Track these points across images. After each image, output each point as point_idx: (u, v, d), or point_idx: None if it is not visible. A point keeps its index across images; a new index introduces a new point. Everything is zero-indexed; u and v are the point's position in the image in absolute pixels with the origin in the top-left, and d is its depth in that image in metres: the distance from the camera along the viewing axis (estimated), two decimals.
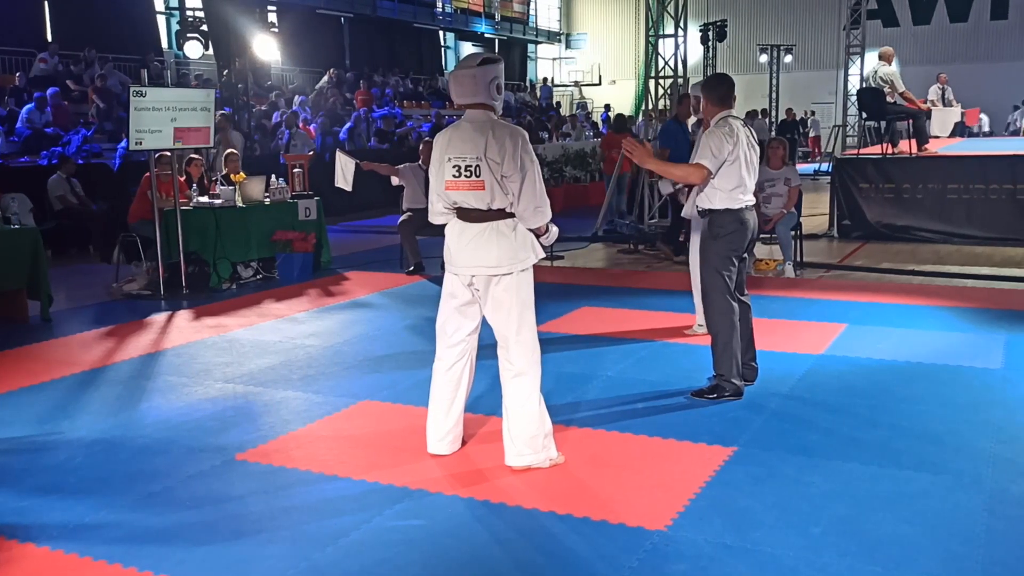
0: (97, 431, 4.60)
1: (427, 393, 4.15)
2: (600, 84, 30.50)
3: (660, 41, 11.68)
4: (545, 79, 29.85)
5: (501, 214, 3.85)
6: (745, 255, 5.01)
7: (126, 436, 4.53)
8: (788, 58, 26.73)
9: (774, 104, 26.93)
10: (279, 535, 3.37)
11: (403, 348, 6.15)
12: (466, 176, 3.83)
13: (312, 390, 5.23)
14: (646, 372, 5.45)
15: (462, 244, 3.90)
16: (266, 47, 14.09)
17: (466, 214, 3.89)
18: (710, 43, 22.62)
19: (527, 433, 3.89)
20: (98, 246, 10.23)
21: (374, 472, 3.96)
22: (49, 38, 16.32)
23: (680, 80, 10.98)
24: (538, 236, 3.97)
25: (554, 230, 4.04)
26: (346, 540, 3.32)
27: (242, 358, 5.99)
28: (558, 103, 27.48)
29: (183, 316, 7.37)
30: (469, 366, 4.09)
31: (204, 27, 11.85)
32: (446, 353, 4.05)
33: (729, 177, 4.78)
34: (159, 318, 7.28)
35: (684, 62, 11.23)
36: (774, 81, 26.84)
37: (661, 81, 11.49)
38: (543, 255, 4.01)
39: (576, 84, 30.42)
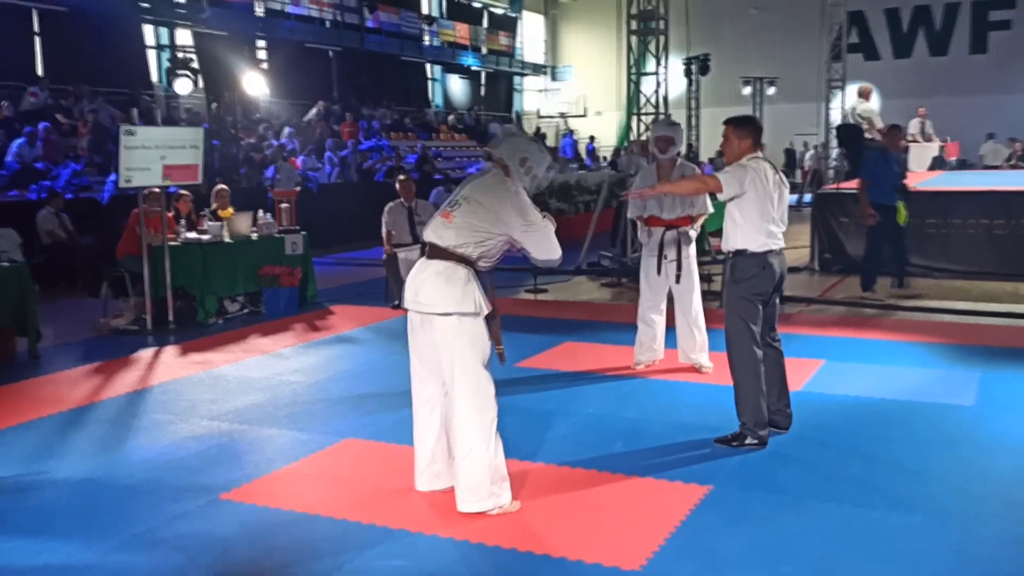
0: (83, 471, 4.65)
1: (411, 430, 4.22)
2: (586, 115, 30.79)
3: (643, 77, 11.88)
4: (538, 111, 30.23)
5: (460, 257, 3.90)
6: (775, 298, 4.95)
7: (112, 476, 4.58)
8: (771, 90, 27.09)
9: None
10: None
11: (387, 384, 6.22)
12: (449, 208, 3.98)
13: (297, 427, 5.29)
14: (625, 409, 5.54)
15: (414, 278, 3.97)
16: (255, 82, 14.26)
17: (432, 251, 3.97)
18: (693, 76, 22.91)
19: (472, 481, 3.87)
20: (85, 281, 10.27)
21: (356, 511, 4.02)
22: (39, 72, 16.43)
23: (661, 116, 11.17)
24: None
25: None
26: None
27: (227, 395, 6.05)
28: (543, 134, 27.71)
29: (170, 352, 7.42)
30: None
31: (194, 64, 11.98)
32: (419, 390, 4.11)
33: (750, 218, 4.74)
34: (146, 354, 7.33)
35: (665, 99, 11.43)
36: (757, 113, 27.19)
37: (643, 117, 11.67)
38: (487, 311, 3.94)
39: (562, 115, 30.69)
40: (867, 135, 11.09)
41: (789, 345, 7.05)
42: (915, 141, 14.31)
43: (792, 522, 3.85)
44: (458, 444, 3.91)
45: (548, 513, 3.98)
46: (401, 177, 9.42)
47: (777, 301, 5.04)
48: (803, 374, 6.21)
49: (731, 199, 4.79)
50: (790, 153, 28.53)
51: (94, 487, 4.43)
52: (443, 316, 3.86)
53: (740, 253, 4.85)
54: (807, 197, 20.31)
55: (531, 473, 4.44)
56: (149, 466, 4.70)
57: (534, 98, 32.16)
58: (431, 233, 4.01)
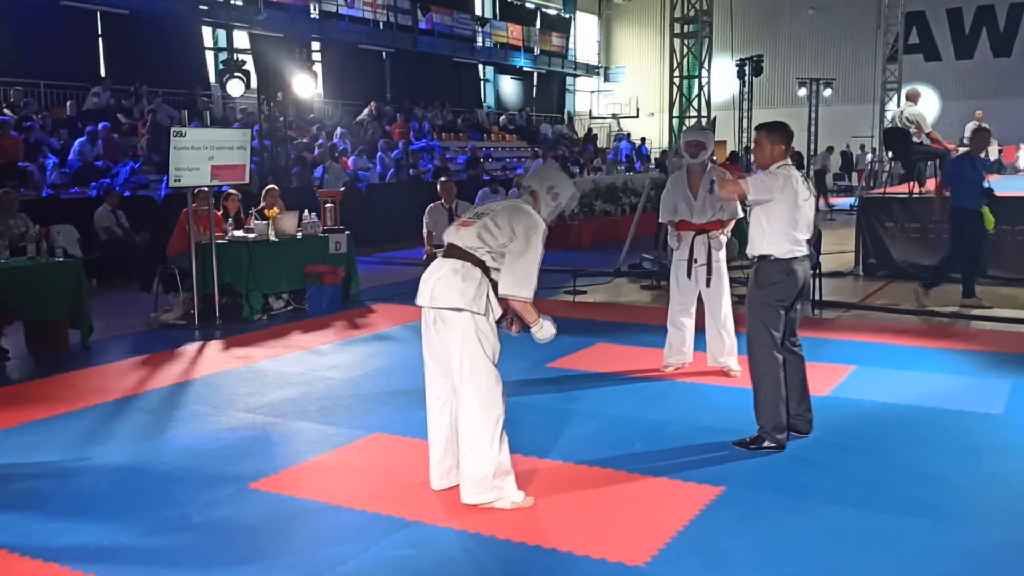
0: (123, 458, 4.88)
1: None
2: (638, 116, 30.73)
3: (693, 79, 11.90)
4: (590, 112, 30.22)
5: (477, 260, 4.01)
6: (797, 304, 4.99)
7: (150, 463, 4.80)
8: (827, 91, 26.78)
9: (812, 138, 26.96)
10: (281, 562, 3.60)
11: (419, 382, 6.19)
12: (471, 218, 4.12)
13: (327, 422, 5.48)
14: (648, 410, 5.62)
15: (430, 276, 4.08)
16: (308, 83, 14.59)
17: (449, 251, 4.10)
18: (746, 77, 22.76)
19: (475, 474, 4.00)
20: (140, 276, 10.65)
21: (376, 503, 4.17)
22: (102, 73, 17.01)
23: (704, 119, 11.18)
24: (527, 326, 4.08)
25: (549, 330, 4.09)
26: (342, 568, 3.54)
27: (265, 389, 6.27)
28: (595, 135, 27.76)
29: (214, 346, 7.69)
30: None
31: (246, 66, 12.32)
32: (432, 388, 4.24)
33: (777, 224, 4.77)
34: (191, 348, 7.61)
35: (708, 102, 11.44)
36: (813, 114, 26.87)
37: (687, 121, 11.70)
38: (498, 315, 4.06)
39: (614, 116, 30.69)
40: (915, 139, 10.94)
41: (822, 350, 7.10)
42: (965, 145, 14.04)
43: (801, 523, 3.90)
44: (463, 438, 4.03)
45: (560, 510, 4.09)
46: (442, 179, 9.59)
47: (798, 307, 5.08)
48: (831, 379, 6.22)
49: (756, 203, 4.84)
50: (846, 156, 28.15)
51: (132, 473, 4.65)
52: (456, 312, 3.96)
53: (765, 259, 4.89)
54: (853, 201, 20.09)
55: (548, 471, 4.55)
56: (185, 455, 4.92)
57: (586, 99, 32.20)
58: (450, 235, 4.15)
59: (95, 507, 4.21)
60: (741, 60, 22.73)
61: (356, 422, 5.47)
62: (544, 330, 4.09)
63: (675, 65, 11.45)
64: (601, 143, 27.84)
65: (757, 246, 4.92)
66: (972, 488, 4.28)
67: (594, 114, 31.54)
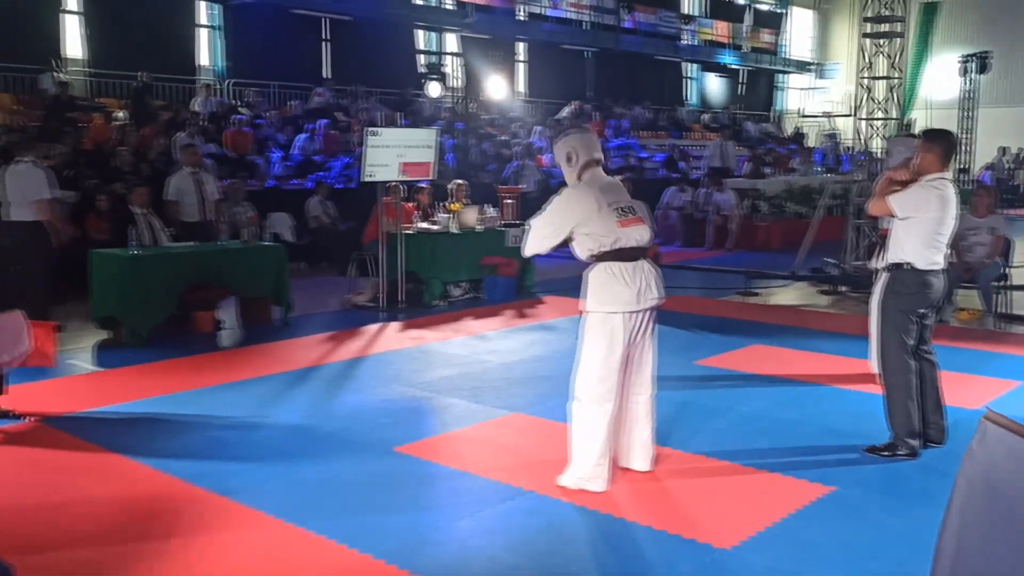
0: (296, 418, 5.61)
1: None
2: (853, 115, 29.39)
3: (887, 80, 11.50)
4: (800, 111, 29.25)
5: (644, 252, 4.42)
6: (929, 313, 4.96)
7: (318, 424, 5.49)
8: None
9: None
10: (406, 513, 4.11)
11: (566, 370, 6.71)
12: (628, 215, 4.33)
13: (475, 399, 5.98)
14: (783, 410, 5.70)
15: (637, 281, 4.30)
16: (509, 83, 15.32)
17: (632, 252, 4.32)
18: (969, 75, 21.33)
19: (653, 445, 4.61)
20: (340, 261, 11.70)
21: (500, 473, 4.61)
22: (326, 74, 18.59)
23: (891, 122, 10.79)
24: None
25: None
26: (457, 523, 4.00)
27: (428, 367, 6.88)
28: (803, 134, 26.90)
29: (393, 327, 8.43)
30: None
31: (447, 68, 13.15)
32: (616, 383, 4.43)
33: (923, 237, 4.77)
34: (374, 328, 8.39)
35: (899, 102, 11.02)
36: None
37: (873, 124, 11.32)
38: None
39: (827, 115, 29.52)
40: None
41: (991, 364, 6.88)
42: None
43: (900, 526, 3.95)
44: (651, 416, 4.55)
45: (666, 493, 4.36)
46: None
47: (933, 316, 5.03)
48: (990, 393, 6.03)
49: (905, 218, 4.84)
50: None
51: (302, 432, 5.35)
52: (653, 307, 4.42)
53: (901, 267, 4.88)
54: None
55: (665, 457, 4.79)
56: (348, 420, 5.57)
57: (797, 96, 31.19)
58: (637, 236, 4.35)
59: (267, 457, 4.91)
60: (965, 56, 21.32)
61: (501, 402, 5.94)
62: None
63: (863, 66, 11.12)
64: (811, 142, 26.92)
65: (896, 253, 4.91)
66: None
67: (805, 112, 30.48)
